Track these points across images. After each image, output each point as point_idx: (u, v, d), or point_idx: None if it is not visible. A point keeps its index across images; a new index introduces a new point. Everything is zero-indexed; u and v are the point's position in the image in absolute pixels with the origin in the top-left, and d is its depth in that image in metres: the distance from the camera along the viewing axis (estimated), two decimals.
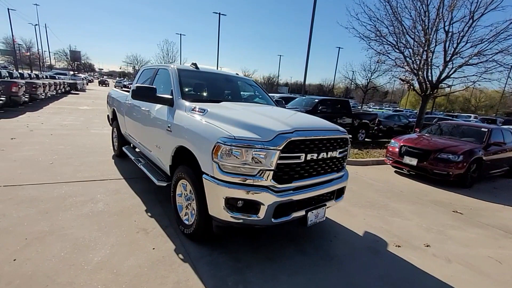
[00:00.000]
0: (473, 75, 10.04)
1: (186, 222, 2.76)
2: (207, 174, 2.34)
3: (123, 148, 4.88)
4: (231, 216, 2.26)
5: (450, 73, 10.01)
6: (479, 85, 11.54)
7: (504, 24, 8.91)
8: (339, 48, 40.95)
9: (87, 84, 37.67)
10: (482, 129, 6.86)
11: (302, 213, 2.52)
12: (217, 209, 2.30)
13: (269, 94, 4.42)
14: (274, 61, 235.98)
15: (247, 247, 2.72)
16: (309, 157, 2.41)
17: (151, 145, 3.55)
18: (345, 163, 2.96)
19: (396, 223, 3.73)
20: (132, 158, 4.15)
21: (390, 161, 6.74)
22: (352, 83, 35.48)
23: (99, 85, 45.45)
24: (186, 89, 3.44)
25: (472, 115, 31.32)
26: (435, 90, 10.68)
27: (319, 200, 2.72)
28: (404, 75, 11.38)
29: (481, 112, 48.35)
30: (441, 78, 10.20)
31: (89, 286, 1.99)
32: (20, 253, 2.28)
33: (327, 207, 2.78)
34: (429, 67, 10.21)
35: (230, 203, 2.25)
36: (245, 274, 2.31)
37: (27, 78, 16.53)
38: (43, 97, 14.31)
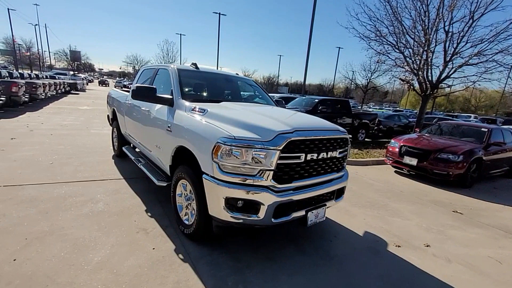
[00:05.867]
0: (473, 75, 10.05)
1: (186, 222, 2.76)
2: (207, 174, 2.34)
3: (123, 148, 4.88)
4: (231, 216, 2.26)
5: (450, 73, 10.02)
6: (479, 85, 11.55)
7: (504, 24, 8.92)
8: (339, 48, 41.01)
9: (87, 84, 37.67)
10: (482, 129, 6.86)
11: (302, 213, 2.52)
12: (217, 209, 2.30)
13: (269, 94, 4.42)
14: (274, 61, 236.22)
15: (247, 247, 2.72)
16: (309, 157, 2.41)
17: (151, 145, 3.55)
18: (345, 163, 2.96)
19: (396, 223, 3.73)
20: (132, 158, 4.15)
21: (390, 161, 6.74)
22: (352, 83, 35.47)
23: (99, 85, 45.45)
24: (186, 89, 3.44)
25: (472, 115, 31.30)
26: (435, 90, 10.68)
27: (319, 200, 2.72)
28: (404, 75, 11.39)
29: (481, 112, 48.35)
30: (441, 78, 10.20)
31: (89, 286, 1.99)
32: (20, 253, 2.28)
33: (327, 207, 2.78)
34: (429, 67, 10.21)
35: (230, 203, 2.25)
36: (245, 274, 2.31)
37: (27, 78, 16.53)
38: (43, 97, 14.31)
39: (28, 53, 56.14)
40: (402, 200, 4.73)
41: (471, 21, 9.26)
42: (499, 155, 6.69)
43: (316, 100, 9.79)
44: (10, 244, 2.38)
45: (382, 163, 7.23)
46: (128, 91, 4.74)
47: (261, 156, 2.18)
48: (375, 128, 11.78)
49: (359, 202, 4.35)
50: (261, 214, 2.26)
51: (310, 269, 2.48)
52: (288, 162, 2.30)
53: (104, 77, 79.30)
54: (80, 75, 40.37)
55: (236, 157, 2.17)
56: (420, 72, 10.20)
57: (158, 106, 3.37)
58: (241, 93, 4.25)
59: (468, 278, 2.63)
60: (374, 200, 4.56)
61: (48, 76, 23.34)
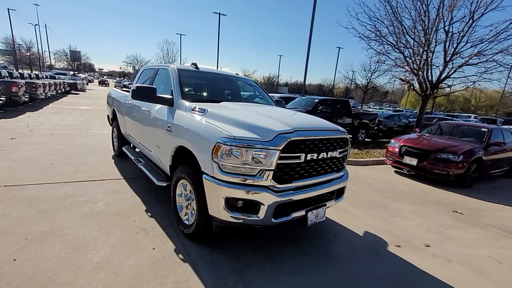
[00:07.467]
0: (473, 75, 10.04)
1: (186, 222, 2.76)
2: (207, 174, 2.34)
3: (123, 148, 4.88)
4: (231, 216, 2.26)
5: (450, 73, 10.01)
6: (479, 85, 11.53)
7: (504, 24, 8.91)
8: (339, 48, 41.00)
9: (87, 84, 37.66)
10: (482, 129, 6.86)
11: (302, 213, 2.52)
12: (217, 209, 2.30)
13: (269, 94, 4.42)
14: (274, 61, 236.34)
15: (247, 247, 2.72)
16: (309, 157, 2.41)
17: (151, 145, 3.55)
18: (345, 163, 2.96)
19: (396, 223, 3.73)
20: (132, 158, 4.15)
21: (390, 161, 6.74)
22: (352, 83, 35.48)
23: (99, 85, 45.43)
24: (186, 89, 3.44)
25: (472, 115, 31.28)
26: (435, 90, 10.67)
27: (319, 200, 2.72)
28: (404, 75, 11.39)
29: (481, 112, 48.33)
30: (441, 78, 10.19)
31: (89, 286, 1.99)
32: (20, 253, 2.28)
33: (327, 207, 2.78)
34: (429, 67, 10.21)
35: (230, 203, 2.25)
36: (245, 274, 2.31)
37: (27, 78, 16.51)
38: (43, 97, 14.30)
39: (28, 53, 56.12)
40: (402, 200, 4.73)
41: (471, 21, 9.26)
42: (499, 155, 6.69)
43: (316, 100, 9.79)
44: (10, 244, 2.38)
45: (382, 163, 7.23)
46: (128, 91, 4.74)
47: (261, 156, 2.18)
48: (375, 128, 11.78)
49: (359, 202, 4.35)
50: (261, 214, 2.26)
51: (310, 269, 2.48)
52: (288, 162, 2.30)
53: (104, 77, 79.28)
54: (80, 75, 40.38)
55: (236, 157, 2.17)
56: (420, 72, 10.19)
57: (158, 106, 3.37)
58: (241, 93, 4.26)
59: (468, 278, 2.63)
60: (374, 200, 4.56)
61: (48, 76, 23.33)
